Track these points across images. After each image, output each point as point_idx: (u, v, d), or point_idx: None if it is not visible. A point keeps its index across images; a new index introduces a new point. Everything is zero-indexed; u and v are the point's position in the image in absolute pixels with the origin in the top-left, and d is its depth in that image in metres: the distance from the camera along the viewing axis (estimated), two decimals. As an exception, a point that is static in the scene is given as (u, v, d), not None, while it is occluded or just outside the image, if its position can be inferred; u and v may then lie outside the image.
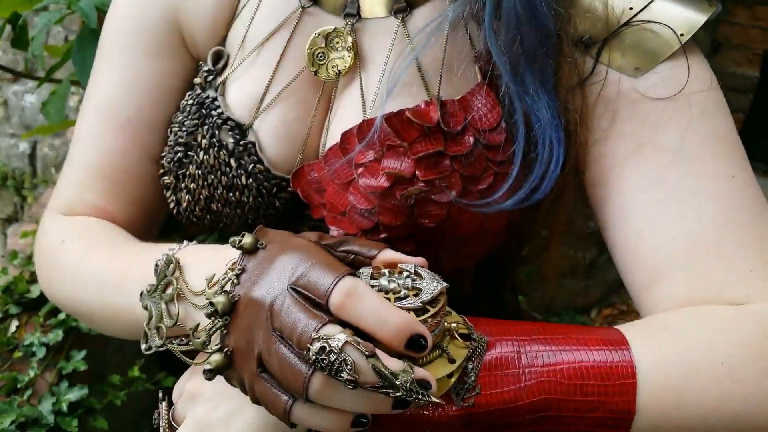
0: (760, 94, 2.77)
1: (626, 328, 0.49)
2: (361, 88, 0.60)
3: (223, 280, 0.47)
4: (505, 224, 0.59)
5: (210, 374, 0.46)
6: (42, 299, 1.64)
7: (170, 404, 0.56)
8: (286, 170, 0.61)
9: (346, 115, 0.60)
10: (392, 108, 0.56)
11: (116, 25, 0.67)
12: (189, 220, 0.65)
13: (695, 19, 0.56)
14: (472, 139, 0.55)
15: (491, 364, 0.46)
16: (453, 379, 0.45)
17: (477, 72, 0.58)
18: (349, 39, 0.60)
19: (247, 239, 0.48)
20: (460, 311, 0.67)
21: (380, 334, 0.42)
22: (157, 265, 0.52)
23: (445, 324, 0.47)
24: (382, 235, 0.56)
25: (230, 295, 0.46)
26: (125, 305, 0.57)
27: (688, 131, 0.54)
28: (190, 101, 0.64)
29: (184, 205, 0.64)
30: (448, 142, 0.55)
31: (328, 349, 0.40)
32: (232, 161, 0.61)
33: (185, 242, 0.55)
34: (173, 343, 0.50)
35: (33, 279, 1.68)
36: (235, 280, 0.47)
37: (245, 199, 0.61)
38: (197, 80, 0.65)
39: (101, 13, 1.08)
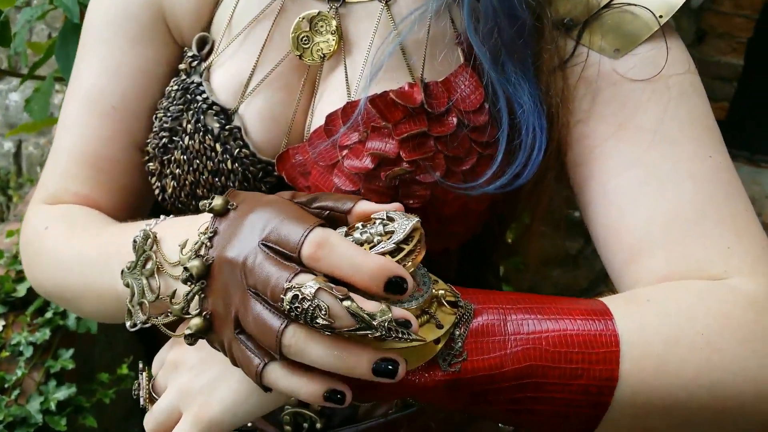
0: (745, 82, 2.79)
1: (609, 300, 0.50)
2: (346, 72, 0.60)
3: (195, 244, 0.47)
4: (489, 205, 0.60)
5: (191, 339, 0.46)
6: (29, 298, 1.63)
7: (150, 375, 0.56)
8: (271, 154, 0.61)
9: (330, 99, 0.60)
10: (376, 90, 0.56)
11: (99, 14, 0.67)
12: (174, 207, 0.65)
13: (674, 1, 0.57)
14: (455, 119, 0.55)
15: (477, 330, 0.46)
16: (440, 345, 0.46)
17: (459, 54, 0.58)
18: (334, 23, 0.60)
19: (217, 201, 0.48)
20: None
21: (356, 280, 0.41)
22: (135, 241, 0.52)
23: (433, 291, 0.47)
24: None
25: (204, 258, 0.46)
26: (108, 284, 0.57)
27: (667, 113, 0.55)
28: (175, 87, 0.64)
29: (170, 191, 0.64)
30: (432, 123, 0.55)
31: (300, 296, 0.40)
32: (218, 146, 0.60)
33: (162, 216, 0.55)
34: (157, 318, 0.49)
35: (19, 278, 1.67)
36: (208, 243, 0.47)
37: (231, 184, 0.61)
38: (182, 66, 0.65)
39: (83, 7, 1.07)
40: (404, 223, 0.45)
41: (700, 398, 0.46)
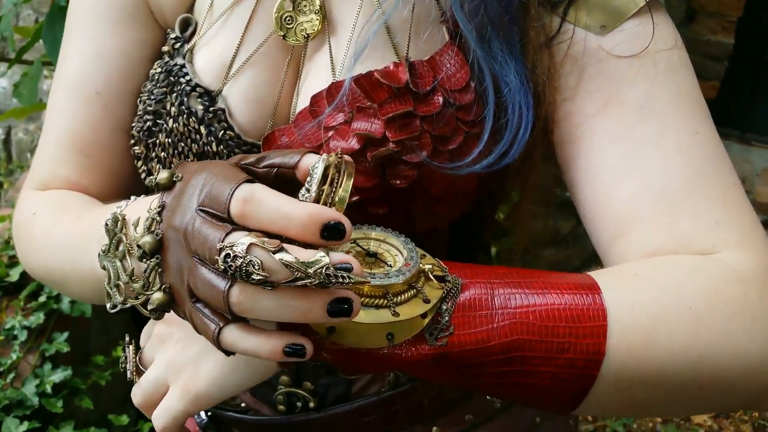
0: (735, 61, 2.79)
1: (597, 274, 0.50)
2: (330, 52, 0.60)
3: (147, 221, 0.47)
4: (476, 184, 0.60)
5: (155, 314, 0.46)
6: (22, 282, 1.63)
7: (137, 348, 0.57)
8: (256, 136, 0.61)
9: (315, 79, 0.60)
10: (361, 71, 0.56)
11: None
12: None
13: None
14: (441, 99, 0.55)
15: (465, 305, 0.47)
16: (427, 319, 0.46)
17: (445, 32, 0.58)
18: (317, 2, 0.60)
19: (162, 174, 0.47)
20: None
21: (290, 232, 0.40)
22: (106, 224, 0.52)
23: (420, 265, 0.47)
24: (355, 198, 0.57)
25: (154, 233, 0.46)
26: (89, 267, 0.57)
27: (654, 88, 0.55)
28: (159, 69, 0.63)
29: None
30: (418, 103, 0.55)
31: (233, 255, 0.39)
32: (202, 128, 0.60)
33: (133, 197, 0.55)
34: (136, 299, 0.50)
35: (12, 263, 1.67)
36: (158, 218, 0.46)
37: None
38: (165, 48, 0.64)
39: (69, -11, 1.07)
40: (316, 166, 0.44)
41: (687, 372, 0.47)
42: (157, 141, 0.63)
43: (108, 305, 0.50)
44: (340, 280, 0.39)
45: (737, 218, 0.53)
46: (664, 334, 0.46)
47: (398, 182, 0.56)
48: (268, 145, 0.60)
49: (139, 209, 0.50)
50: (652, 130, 0.54)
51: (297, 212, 0.40)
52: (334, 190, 0.43)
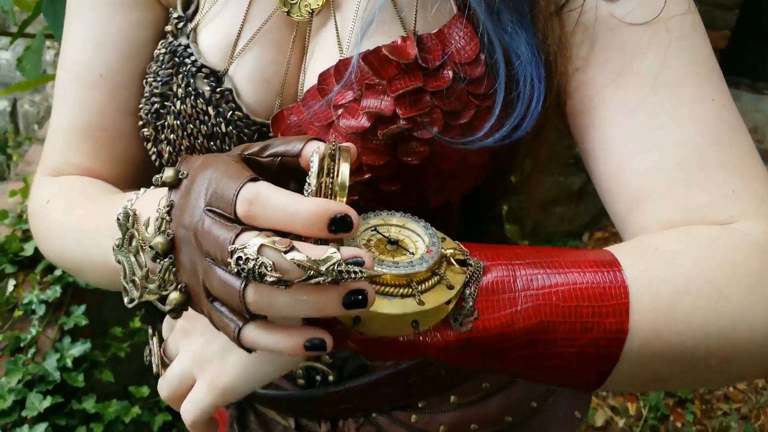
0: (746, 10, 2.73)
1: (617, 249, 0.50)
2: (336, 28, 0.59)
3: (157, 221, 0.47)
4: (488, 158, 0.59)
5: (173, 314, 0.46)
6: (37, 257, 1.64)
7: (161, 340, 0.57)
8: (265, 116, 0.61)
9: (322, 56, 0.59)
10: (368, 46, 0.55)
11: None
12: (173, 172, 0.65)
13: None
14: (451, 73, 0.54)
15: (488, 288, 0.46)
16: (451, 305, 0.46)
17: (453, 4, 0.57)
18: None
19: (168, 173, 0.47)
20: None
21: (297, 229, 0.40)
22: (118, 219, 0.52)
23: (442, 250, 0.47)
24: (366, 176, 0.56)
25: (166, 233, 0.46)
26: (102, 259, 0.57)
27: (667, 56, 0.54)
28: (163, 50, 0.62)
29: (166, 156, 0.64)
30: (428, 78, 0.54)
31: (244, 257, 0.39)
32: (210, 109, 0.60)
33: (143, 190, 0.55)
34: (151, 293, 0.50)
35: (26, 237, 1.68)
36: (167, 218, 0.46)
37: (226, 148, 0.61)
38: (168, 28, 0.63)
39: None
40: (312, 159, 0.44)
41: (708, 346, 0.47)
42: (166, 123, 0.62)
43: (125, 299, 0.50)
44: (353, 275, 0.39)
45: (754, 186, 0.52)
46: (686, 309, 0.46)
47: (410, 159, 0.55)
48: (277, 124, 0.59)
49: (149, 204, 0.50)
50: (667, 100, 0.53)
51: (302, 209, 0.40)
52: (332, 180, 0.43)
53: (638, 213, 0.54)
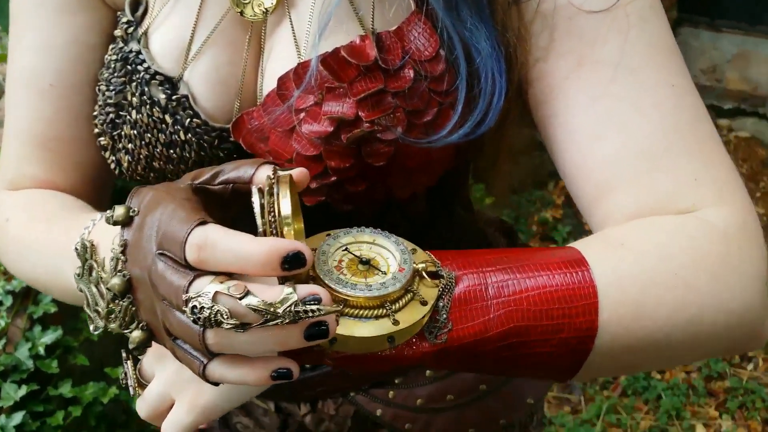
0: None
1: (584, 247, 0.50)
2: (292, 27, 0.57)
3: (111, 261, 0.46)
4: (453, 151, 0.59)
5: (137, 351, 0.46)
6: None
7: (135, 360, 0.57)
8: (224, 120, 0.59)
9: (279, 57, 0.58)
10: (326, 47, 0.54)
11: None
12: (133, 179, 0.64)
13: None
14: (412, 72, 0.54)
15: (460, 298, 0.47)
16: (425, 319, 0.46)
17: (410, 1, 0.55)
18: None
19: (118, 211, 0.46)
20: (415, 231, 0.68)
21: (250, 271, 0.40)
22: (76, 249, 0.51)
23: (414, 265, 0.47)
24: (332, 178, 0.55)
25: (122, 274, 0.45)
26: (65, 285, 0.56)
27: (627, 43, 0.54)
28: (114, 57, 0.60)
29: (125, 165, 0.62)
30: (388, 79, 0.53)
31: (199, 306, 0.39)
32: (167, 117, 0.58)
33: (99, 216, 0.53)
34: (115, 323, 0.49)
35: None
36: (122, 257, 0.45)
37: (187, 155, 0.59)
38: (117, 32, 0.61)
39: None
40: (253, 200, 0.43)
41: (676, 335, 0.48)
42: (123, 133, 0.60)
43: (91, 327, 0.49)
44: (310, 314, 0.39)
45: (715, 172, 0.53)
46: (653, 303, 0.47)
47: (375, 160, 0.55)
48: (238, 129, 0.58)
49: (106, 234, 0.49)
50: (628, 88, 0.53)
51: (253, 252, 0.39)
52: (275, 217, 0.42)
53: (603, 202, 0.54)
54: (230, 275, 0.41)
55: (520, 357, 0.47)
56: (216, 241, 0.40)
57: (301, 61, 0.55)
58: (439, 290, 0.47)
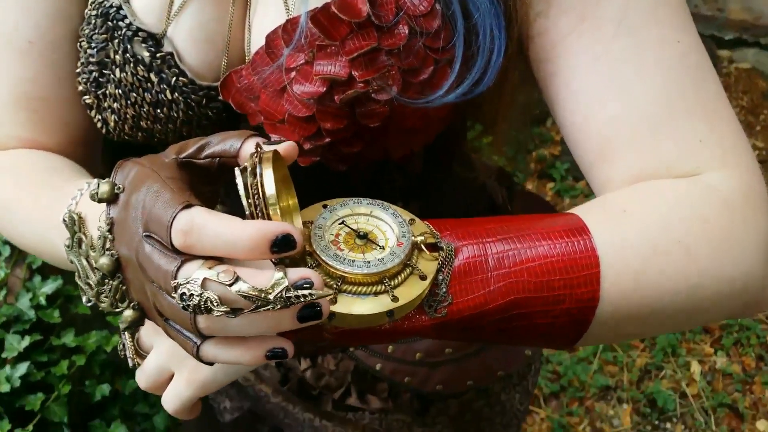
0: None
1: (586, 213, 0.49)
2: None
3: (99, 239, 0.45)
4: (451, 110, 0.57)
5: (129, 330, 0.46)
6: (-7, 197, 1.59)
7: (132, 333, 0.56)
8: (212, 78, 0.57)
9: (267, 12, 0.55)
10: (316, 2, 0.51)
11: None
12: (121, 139, 0.62)
13: None
14: (406, 29, 0.51)
15: (460, 271, 0.46)
16: (424, 293, 0.45)
17: None
18: None
19: (103, 188, 0.44)
20: (412, 187, 0.66)
21: (239, 255, 0.39)
22: (64, 221, 0.49)
23: (412, 238, 0.46)
24: (327, 140, 0.54)
25: (110, 254, 0.44)
26: (58, 254, 0.55)
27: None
28: (94, 12, 0.57)
29: (112, 125, 0.60)
30: (382, 36, 0.51)
31: (188, 293, 0.38)
32: (152, 76, 0.56)
33: (86, 186, 0.51)
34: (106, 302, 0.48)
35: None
36: (109, 236, 0.44)
37: (175, 114, 0.57)
38: None
39: None
40: (237, 182, 0.41)
41: (677, 304, 0.47)
42: (107, 92, 0.58)
43: (84, 299, 0.49)
44: (302, 299, 0.38)
45: (720, 134, 0.51)
46: (655, 272, 0.47)
47: (370, 121, 0.53)
48: (227, 88, 0.56)
49: (93, 207, 0.48)
50: (631, 46, 0.51)
51: (240, 236, 0.38)
52: (260, 198, 0.40)
53: (605, 165, 0.53)
54: (220, 259, 0.40)
55: (520, 328, 0.47)
56: (202, 226, 0.39)
57: (290, 17, 0.53)
58: (439, 263, 0.46)
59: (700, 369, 2.12)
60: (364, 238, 0.46)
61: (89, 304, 0.48)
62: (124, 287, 0.45)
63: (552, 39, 0.53)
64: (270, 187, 0.40)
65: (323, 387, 0.78)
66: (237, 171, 0.41)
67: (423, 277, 0.45)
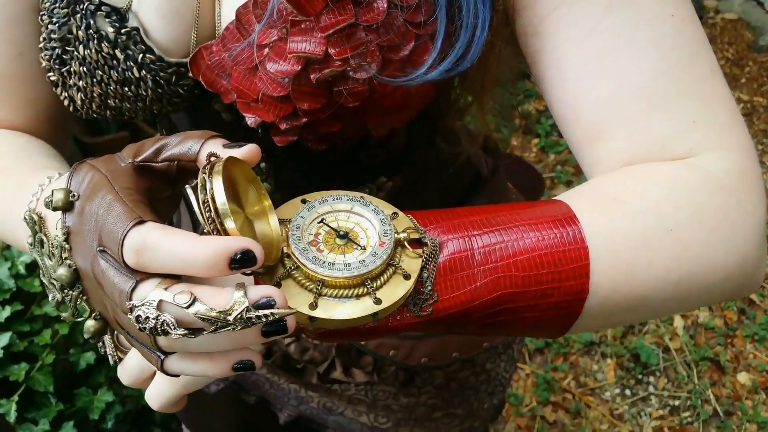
0: None
1: (575, 201, 0.47)
2: None
3: (55, 248, 0.43)
4: (432, 86, 0.55)
5: (93, 340, 0.44)
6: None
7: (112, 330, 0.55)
8: (181, 54, 0.54)
9: None
10: None
11: None
12: (90, 116, 0.59)
13: None
14: (384, 2, 0.48)
15: (446, 267, 0.44)
16: (409, 293, 0.43)
17: None
18: None
19: (57, 195, 0.42)
20: (394, 162, 0.64)
21: (196, 273, 0.37)
22: (25, 219, 0.47)
23: (395, 235, 0.44)
24: (303, 120, 0.51)
25: (67, 264, 0.42)
26: (25, 246, 0.53)
27: None
28: None
29: (79, 103, 0.57)
30: (359, 11, 0.48)
31: (143, 316, 0.36)
32: (118, 53, 0.53)
33: (46, 180, 0.49)
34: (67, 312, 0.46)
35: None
36: (66, 246, 0.42)
37: (143, 93, 0.55)
38: None
39: None
40: (190, 200, 0.39)
41: (668, 293, 0.46)
42: (72, 69, 0.55)
43: (50, 298, 0.47)
44: (263, 319, 0.37)
45: (715, 114, 0.49)
46: (646, 262, 0.45)
47: (348, 101, 0.50)
48: (196, 65, 0.53)
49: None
50: (624, 20, 0.48)
51: (197, 254, 0.36)
52: (213, 214, 0.38)
53: (596, 146, 0.51)
54: (178, 276, 0.38)
55: (507, 322, 0.45)
56: (155, 244, 0.37)
57: None
58: (423, 260, 0.44)
59: (682, 323, 2.15)
60: (345, 238, 0.44)
61: (57, 306, 0.46)
62: (84, 297, 0.43)
63: (539, 12, 0.50)
64: (222, 202, 0.38)
65: (307, 361, 0.77)
66: (188, 188, 0.39)
67: (407, 276, 0.43)
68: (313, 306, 0.41)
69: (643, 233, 0.45)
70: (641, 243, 0.45)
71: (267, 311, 0.37)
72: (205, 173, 0.39)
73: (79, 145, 2.17)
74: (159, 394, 0.49)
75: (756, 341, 2.08)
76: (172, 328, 0.36)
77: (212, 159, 0.41)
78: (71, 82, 0.56)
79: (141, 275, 0.38)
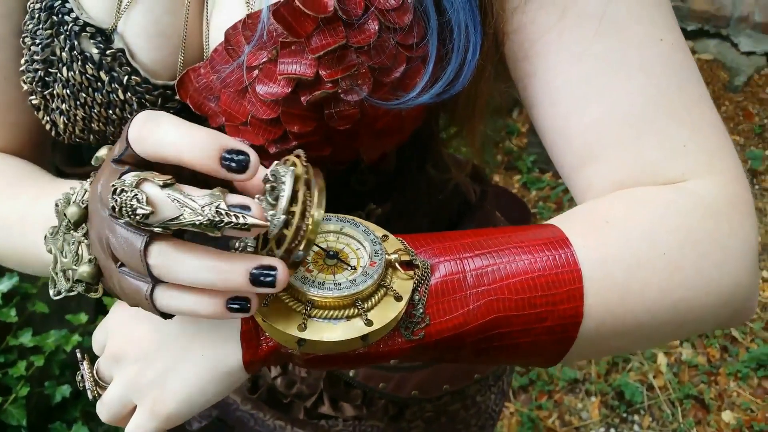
0: None
1: (567, 224, 0.47)
2: None
3: (76, 195, 0.44)
4: (424, 109, 0.54)
5: (83, 287, 0.44)
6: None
7: (91, 363, 0.53)
8: (167, 77, 0.53)
9: (225, 5, 0.51)
10: None
11: None
12: (72, 141, 0.58)
13: None
14: (376, 24, 0.48)
15: (438, 290, 0.43)
16: (400, 315, 0.43)
17: None
18: None
19: (101, 151, 0.44)
20: (384, 185, 0.63)
21: (186, 156, 0.37)
22: (57, 205, 0.46)
23: (386, 256, 0.43)
24: (293, 143, 0.50)
25: (80, 201, 0.43)
26: (31, 250, 0.53)
27: None
28: (38, 5, 0.53)
29: (61, 127, 0.56)
30: (351, 32, 0.48)
31: (119, 189, 0.36)
32: (102, 75, 0.52)
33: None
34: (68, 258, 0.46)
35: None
36: (88, 188, 0.43)
37: (128, 116, 0.53)
38: None
39: None
40: (283, 180, 0.39)
41: (663, 317, 0.46)
42: (55, 92, 0.54)
43: (51, 291, 0.45)
44: (233, 219, 0.36)
45: (705, 138, 0.49)
46: (640, 285, 0.45)
47: (339, 124, 0.50)
48: (184, 88, 0.52)
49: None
50: (614, 45, 0.49)
51: (194, 138, 0.37)
52: (308, 217, 0.38)
53: (586, 170, 0.51)
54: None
55: (502, 348, 0.45)
56: (162, 121, 0.38)
57: (251, 11, 0.49)
58: (414, 282, 0.43)
59: (666, 361, 2.14)
60: (335, 258, 0.43)
61: (57, 297, 0.46)
62: (86, 241, 0.43)
63: (530, 36, 0.50)
64: (321, 211, 0.39)
65: (294, 395, 0.75)
66: (282, 169, 0.39)
67: (398, 298, 0.42)
68: (302, 327, 0.40)
69: (636, 257, 0.45)
70: (634, 266, 0.45)
71: (239, 211, 0.36)
72: (305, 167, 0.39)
73: (60, 175, 2.15)
74: (139, 427, 0.47)
75: (739, 379, 2.08)
76: (141, 202, 0.36)
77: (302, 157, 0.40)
78: (54, 105, 0.55)
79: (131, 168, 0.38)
